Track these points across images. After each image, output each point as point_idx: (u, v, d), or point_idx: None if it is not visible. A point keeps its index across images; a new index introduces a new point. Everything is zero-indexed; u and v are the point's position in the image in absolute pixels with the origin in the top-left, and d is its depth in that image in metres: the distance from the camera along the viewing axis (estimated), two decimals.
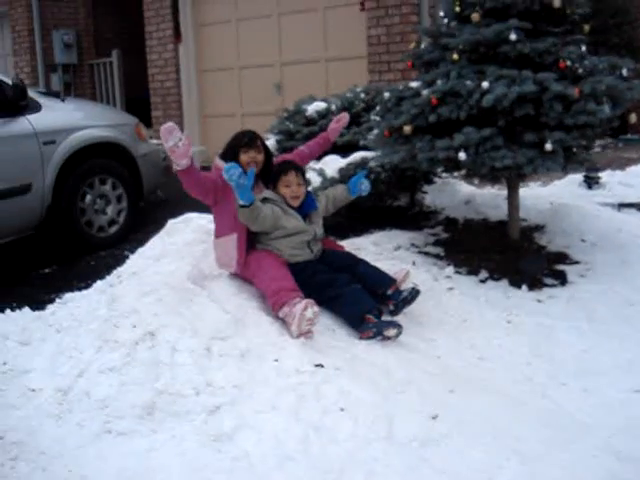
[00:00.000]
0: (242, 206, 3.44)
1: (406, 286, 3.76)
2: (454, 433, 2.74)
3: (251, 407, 2.79)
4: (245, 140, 3.79)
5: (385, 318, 3.56)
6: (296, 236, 3.69)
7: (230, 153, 3.80)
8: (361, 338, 3.40)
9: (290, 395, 2.85)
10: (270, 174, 3.88)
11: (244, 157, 3.75)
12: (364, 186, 3.97)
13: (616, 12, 9.79)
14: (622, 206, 5.68)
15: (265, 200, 3.69)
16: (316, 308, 3.28)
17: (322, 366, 3.03)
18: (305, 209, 3.80)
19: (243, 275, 3.75)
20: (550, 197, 5.70)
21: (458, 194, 5.67)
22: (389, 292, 3.69)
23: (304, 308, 3.24)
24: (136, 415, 2.78)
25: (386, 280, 3.73)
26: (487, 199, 5.53)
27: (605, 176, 6.27)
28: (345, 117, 4.35)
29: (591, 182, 6.07)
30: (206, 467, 2.50)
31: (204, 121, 10.52)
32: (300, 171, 3.83)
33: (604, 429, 2.90)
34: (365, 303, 3.51)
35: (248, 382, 2.93)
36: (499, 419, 2.89)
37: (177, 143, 3.41)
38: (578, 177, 6.31)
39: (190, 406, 2.79)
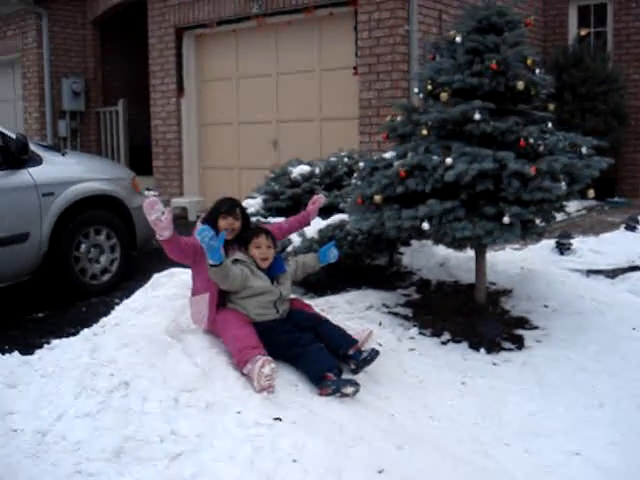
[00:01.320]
0: (212, 265, 3.71)
1: (368, 345, 4.01)
2: None
3: (210, 456, 3.01)
4: (225, 207, 4.12)
5: (346, 376, 3.77)
6: (262, 296, 3.94)
7: (211, 218, 4.11)
8: (320, 394, 3.61)
9: (247, 446, 3.06)
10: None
11: (222, 223, 4.07)
12: (332, 255, 4.29)
13: (604, 80, 10.15)
14: (590, 272, 5.95)
15: (236, 261, 3.97)
16: (273, 365, 3.52)
17: (280, 419, 3.25)
18: (273, 272, 4.07)
19: (212, 330, 4.02)
20: (523, 261, 5.97)
21: (434, 256, 5.93)
22: (350, 352, 3.91)
23: (262, 365, 3.49)
24: (105, 458, 3.00)
25: (348, 341, 3.96)
26: (461, 262, 5.79)
27: (577, 242, 6.55)
28: (320, 199, 4.64)
29: (563, 248, 6.35)
30: None
31: (203, 172, 10.89)
32: (270, 235, 4.12)
33: None
34: (326, 362, 3.72)
35: (210, 432, 3.15)
36: (442, 476, 3.09)
37: (159, 217, 3.72)
38: (552, 242, 6.59)
39: (154, 452, 3.02)
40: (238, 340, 3.71)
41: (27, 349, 4.36)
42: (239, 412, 3.31)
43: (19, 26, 12.74)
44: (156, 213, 3.71)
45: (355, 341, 3.95)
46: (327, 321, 4.09)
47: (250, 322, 3.88)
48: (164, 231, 3.75)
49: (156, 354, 3.67)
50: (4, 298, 6.15)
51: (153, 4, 10.84)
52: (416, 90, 4.89)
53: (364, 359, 3.86)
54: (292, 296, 4.28)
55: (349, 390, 3.60)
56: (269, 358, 3.55)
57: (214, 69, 10.56)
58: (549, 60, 10.44)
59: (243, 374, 3.63)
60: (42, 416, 3.34)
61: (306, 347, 3.77)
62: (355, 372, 3.88)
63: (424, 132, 4.50)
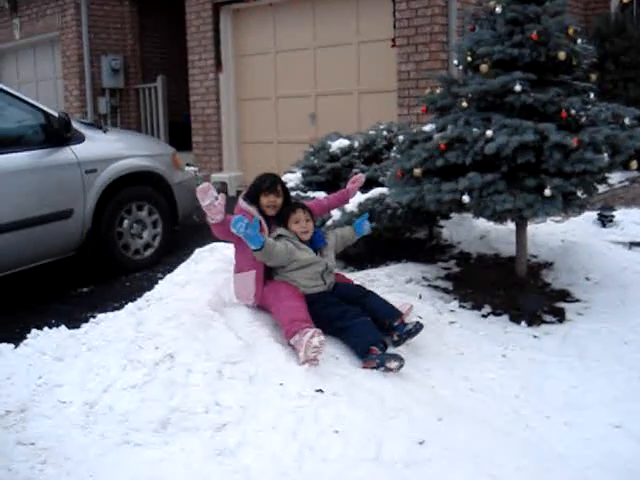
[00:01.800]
0: (255, 250, 3.80)
1: (410, 319, 4.04)
2: (438, 458, 2.98)
3: (254, 426, 3.09)
4: (266, 184, 4.14)
5: (389, 350, 3.82)
6: (309, 267, 4.01)
7: (252, 195, 4.15)
8: (364, 367, 3.66)
9: (290, 417, 3.13)
10: None
11: (264, 200, 4.11)
12: (366, 227, 4.38)
13: None
14: (633, 245, 5.87)
15: (279, 237, 4.03)
16: (322, 337, 3.57)
17: (322, 391, 3.31)
18: (315, 244, 4.14)
19: (261, 303, 4.07)
20: (564, 234, 5.91)
21: (474, 229, 5.91)
22: (395, 324, 3.95)
23: (311, 336, 3.53)
24: (152, 429, 3.10)
25: (393, 312, 4.00)
26: (502, 235, 5.76)
27: (619, 214, 6.44)
28: (361, 178, 4.61)
29: (605, 220, 6.25)
30: (209, 478, 2.80)
31: (242, 147, 10.93)
32: (307, 209, 4.17)
33: (581, 461, 3.10)
34: (371, 335, 3.76)
35: (253, 403, 3.23)
36: (482, 447, 3.11)
37: (213, 202, 3.82)
38: (594, 214, 6.51)
39: (199, 423, 3.11)
40: (290, 311, 3.77)
41: (73, 323, 4.48)
42: (282, 384, 3.37)
43: (58, 4, 12.85)
44: (210, 199, 3.81)
45: (400, 313, 3.99)
46: (372, 293, 4.14)
47: (301, 295, 3.94)
48: (217, 215, 3.86)
49: (199, 327, 3.74)
50: (50, 273, 6.29)
51: None
52: (455, 62, 4.85)
53: (408, 331, 3.89)
54: (335, 270, 4.32)
55: (393, 365, 3.62)
56: (318, 330, 3.60)
57: (252, 44, 10.55)
58: (591, 29, 10.22)
59: (290, 345, 3.69)
60: (90, 388, 3.45)
61: (353, 320, 3.82)
62: (397, 344, 3.92)
63: (464, 104, 4.47)
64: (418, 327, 3.91)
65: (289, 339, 3.70)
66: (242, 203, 4.14)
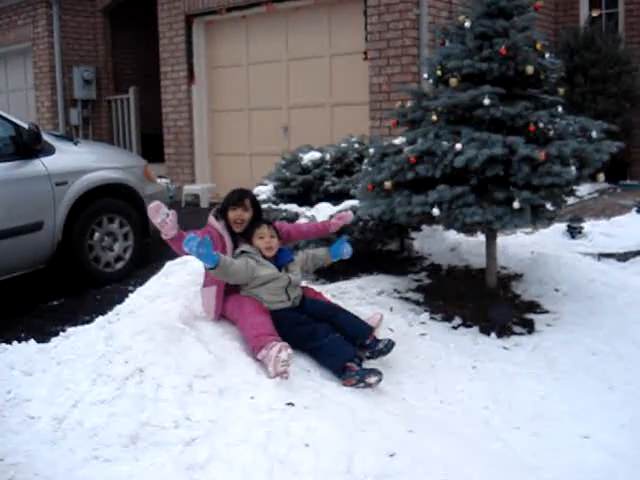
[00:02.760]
0: (209, 268, 3.77)
1: (381, 331, 4.05)
2: (409, 470, 2.98)
3: (224, 440, 3.07)
4: (234, 199, 4.15)
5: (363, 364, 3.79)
6: (272, 282, 3.96)
7: (222, 210, 4.16)
8: (344, 385, 3.61)
9: (260, 430, 3.11)
10: None
11: (231, 214, 4.11)
12: (346, 251, 4.29)
13: (616, 62, 10.09)
14: (602, 256, 5.96)
15: (242, 253, 4.02)
16: (290, 350, 3.55)
17: (293, 404, 3.30)
18: (280, 260, 4.10)
19: (228, 318, 4.07)
20: (533, 245, 5.99)
21: (445, 241, 5.95)
22: (367, 342, 3.91)
23: (279, 350, 3.51)
24: (121, 444, 3.07)
25: (364, 329, 3.95)
26: (472, 246, 5.81)
27: (588, 226, 6.55)
28: (348, 217, 4.51)
29: (574, 232, 6.35)
30: None
31: (215, 159, 10.94)
32: (272, 226, 4.16)
33: (550, 472, 3.14)
34: (345, 353, 3.72)
35: (223, 417, 3.21)
36: (452, 459, 3.13)
37: (164, 219, 3.78)
38: (563, 226, 6.59)
39: (169, 437, 3.08)
40: (254, 327, 3.75)
41: (43, 337, 4.43)
42: (252, 397, 3.36)
43: (30, 15, 12.80)
44: (161, 216, 3.78)
45: (371, 329, 3.95)
46: (342, 310, 4.10)
47: (266, 309, 3.92)
48: (170, 231, 3.82)
49: (170, 341, 3.72)
50: (20, 287, 6.22)
51: None
52: (426, 75, 4.90)
53: (380, 350, 3.87)
54: (303, 284, 4.30)
55: (373, 380, 3.60)
56: (285, 344, 3.58)
57: (224, 56, 10.57)
58: (560, 42, 10.38)
59: (257, 360, 3.67)
60: (59, 403, 3.41)
61: (323, 339, 3.77)
62: (368, 359, 3.92)
63: (434, 118, 4.51)
64: (390, 345, 3.89)
65: (256, 354, 3.68)
66: (210, 218, 4.18)
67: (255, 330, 3.73)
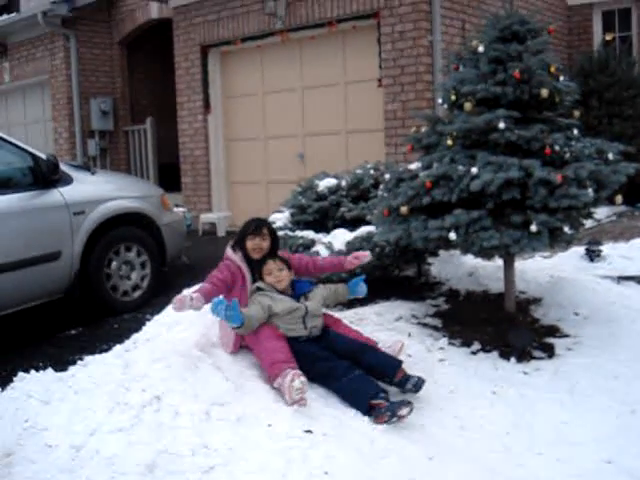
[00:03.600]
0: (236, 327, 3.80)
1: (400, 356, 4.01)
2: None
3: (242, 469, 3.04)
4: (252, 228, 4.18)
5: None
6: (289, 315, 3.94)
7: (239, 240, 4.19)
8: (377, 423, 3.49)
9: (279, 458, 3.09)
10: (275, 254, 4.24)
11: (250, 244, 4.14)
12: (361, 290, 4.32)
13: (631, 84, 10.08)
14: (621, 279, 5.89)
15: (258, 289, 4.05)
16: (303, 378, 3.53)
17: (311, 432, 3.27)
18: (298, 291, 4.10)
19: (246, 346, 4.06)
20: (552, 269, 5.93)
21: (463, 266, 5.92)
22: (396, 380, 3.80)
23: (292, 380, 3.50)
24: (139, 472, 3.05)
25: (391, 368, 3.82)
26: (490, 271, 5.77)
27: (607, 249, 6.48)
28: (365, 256, 4.41)
29: (592, 255, 6.29)
30: None
31: (231, 187, 10.99)
32: (278, 258, 4.15)
33: None
34: (367, 391, 3.62)
35: (241, 445, 3.18)
36: None
37: (191, 304, 3.81)
38: (582, 249, 6.54)
39: (187, 466, 3.05)
40: (269, 354, 3.74)
41: (61, 366, 4.43)
42: (270, 425, 3.34)
43: (47, 48, 13.00)
44: (186, 307, 3.81)
45: (399, 364, 3.84)
46: (369, 348, 3.95)
47: (282, 335, 3.90)
48: (201, 306, 3.87)
49: (187, 368, 3.71)
50: (38, 316, 6.25)
51: (178, 23, 10.98)
52: (440, 100, 4.90)
53: (409, 390, 3.79)
54: (324, 310, 4.26)
55: (405, 411, 3.49)
56: (298, 372, 3.57)
57: (240, 85, 10.66)
58: (574, 66, 10.39)
59: (274, 388, 3.65)
60: (76, 431, 3.39)
61: (342, 379, 3.69)
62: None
63: (449, 142, 4.51)
64: (419, 385, 3.79)
65: (273, 382, 3.67)
66: (228, 251, 4.22)
67: (270, 358, 3.72)
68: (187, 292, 3.91)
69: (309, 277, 4.44)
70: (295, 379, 3.51)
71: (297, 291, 4.11)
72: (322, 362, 3.80)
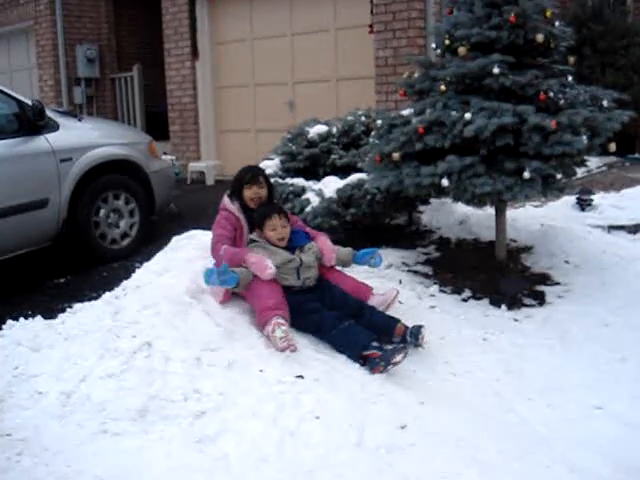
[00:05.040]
0: (233, 287, 3.77)
1: (394, 306, 3.99)
2: (420, 442, 2.96)
3: (234, 413, 3.04)
4: (248, 177, 4.12)
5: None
6: (284, 267, 3.90)
7: (235, 189, 4.14)
8: (373, 373, 3.45)
9: (270, 403, 3.09)
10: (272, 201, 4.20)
11: (247, 193, 4.09)
12: (374, 261, 4.18)
13: (624, 34, 9.95)
14: (612, 228, 5.88)
15: (251, 241, 4.02)
16: (284, 327, 3.52)
17: (302, 377, 3.27)
18: (294, 243, 4.03)
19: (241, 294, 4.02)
20: (543, 218, 5.92)
21: (454, 214, 5.90)
22: (396, 339, 3.78)
23: (272, 330, 3.52)
24: (130, 417, 3.05)
25: (389, 327, 3.81)
26: (481, 219, 5.75)
27: (598, 198, 6.46)
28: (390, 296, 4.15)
29: (583, 204, 6.27)
30: (189, 466, 2.76)
31: (220, 136, 10.85)
32: (283, 212, 4.08)
33: (562, 442, 3.11)
34: (357, 342, 3.57)
35: (233, 390, 3.18)
36: (464, 431, 3.10)
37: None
38: (573, 199, 6.52)
39: (178, 411, 3.06)
40: (260, 301, 3.72)
41: (50, 313, 4.41)
42: (261, 370, 3.34)
43: None
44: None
45: (396, 322, 3.82)
46: (368, 308, 3.91)
47: (275, 281, 3.84)
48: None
49: (177, 315, 3.69)
50: (26, 264, 6.20)
51: None
52: (433, 45, 4.82)
53: (411, 342, 3.76)
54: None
55: (399, 358, 3.46)
56: (280, 320, 3.55)
57: (228, 31, 10.45)
58: (568, 15, 10.23)
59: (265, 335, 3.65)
60: (66, 378, 3.39)
61: (331, 332, 3.65)
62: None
63: (442, 88, 4.44)
64: (417, 332, 3.76)
65: (262, 330, 3.67)
66: (225, 200, 4.17)
67: (260, 305, 3.71)
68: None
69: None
70: (276, 329, 3.51)
71: (293, 242, 4.05)
72: (312, 314, 3.77)
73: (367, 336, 3.61)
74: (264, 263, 3.75)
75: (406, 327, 3.80)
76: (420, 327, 3.78)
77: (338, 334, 3.65)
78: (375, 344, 3.56)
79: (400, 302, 4.18)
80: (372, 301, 4.02)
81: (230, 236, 4.06)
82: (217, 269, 3.71)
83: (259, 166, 4.33)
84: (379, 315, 3.89)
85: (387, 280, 4.57)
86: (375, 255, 4.19)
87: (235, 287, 3.77)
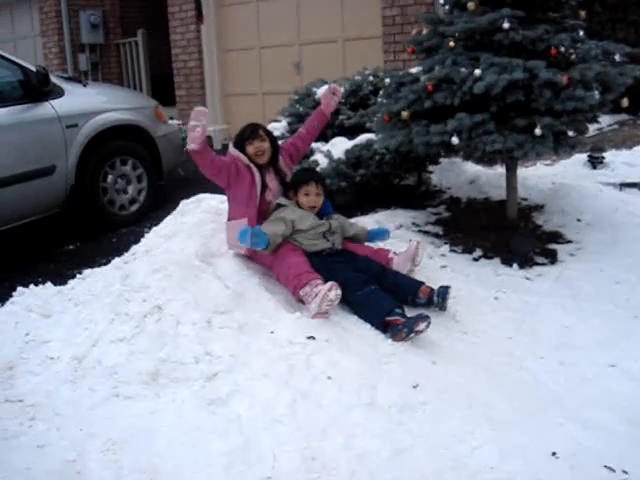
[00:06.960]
0: (263, 249, 3.74)
1: (420, 258, 4.01)
2: (433, 401, 2.95)
3: (245, 375, 3.04)
4: (248, 133, 4.07)
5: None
6: (312, 230, 3.89)
7: (239, 145, 4.08)
8: (395, 340, 3.38)
9: (282, 364, 3.08)
10: (277, 157, 4.15)
11: (250, 149, 4.03)
12: (382, 237, 4.27)
13: None
14: (624, 186, 5.81)
15: (279, 206, 3.98)
16: (339, 291, 3.46)
17: (314, 338, 3.25)
18: (323, 210, 4.05)
19: (257, 260, 3.99)
20: (554, 176, 5.86)
21: (464, 174, 5.84)
22: (421, 301, 3.76)
23: (329, 289, 3.42)
24: (142, 381, 3.06)
25: (413, 287, 3.79)
26: (491, 179, 5.70)
27: (610, 156, 6.38)
28: (339, 88, 4.40)
29: (595, 162, 6.19)
30: (201, 428, 2.76)
31: (226, 100, 10.75)
32: (321, 181, 4.08)
33: (575, 400, 3.09)
34: (382, 306, 3.52)
35: (244, 352, 3.18)
36: (476, 389, 3.09)
37: (196, 127, 3.72)
38: (584, 157, 6.44)
39: (190, 373, 3.06)
40: (295, 266, 3.67)
41: (60, 280, 4.42)
42: (272, 332, 3.33)
43: None
44: (196, 122, 3.73)
45: (420, 284, 3.80)
46: (391, 271, 3.90)
47: (302, 252, 3.82)
48: (192, 142, 3.76)
49: (187, 278, 3.68)
50: (35, 231, 6.20)
51: None
52: (442, 1, 4.72)
53: (438, 303, 3.74)
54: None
55: (422, 326, 3.40)
56: (335, 283, 3.48)
57: None
58: None
59: (298, 298, 3.62)
60: (77, 343, 3.41)
61: (356, 293, 3.60)
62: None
63: (451, 44, 4.36)
64: (444, 293, 3.73)
65: (299, 290, 3.58)
66: (232, 149, 4.10)
67: (294, 269, 3.65)
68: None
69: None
70: (333, 289, 3.43)
71: (322, 210, 4.05)
72: (340, 273, 3.70)
73: (392, 302, 3.56)
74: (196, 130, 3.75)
75: (432, 289, 3.77)
76: (447, 287, 3.75)
77: (363, 296, 3.60)
78: (398, 311, 3.50)
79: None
80: (397, 262, 3.97)
81: (225, 160, 4.01)
82: (251, 229, 3.68)
83: (257, 123, 4.25)
84: (403, 277, 3.88)
85: (398, 241, 4.52)
86: (386, 236, 4.26)
87: (264, 249, 3.74)
